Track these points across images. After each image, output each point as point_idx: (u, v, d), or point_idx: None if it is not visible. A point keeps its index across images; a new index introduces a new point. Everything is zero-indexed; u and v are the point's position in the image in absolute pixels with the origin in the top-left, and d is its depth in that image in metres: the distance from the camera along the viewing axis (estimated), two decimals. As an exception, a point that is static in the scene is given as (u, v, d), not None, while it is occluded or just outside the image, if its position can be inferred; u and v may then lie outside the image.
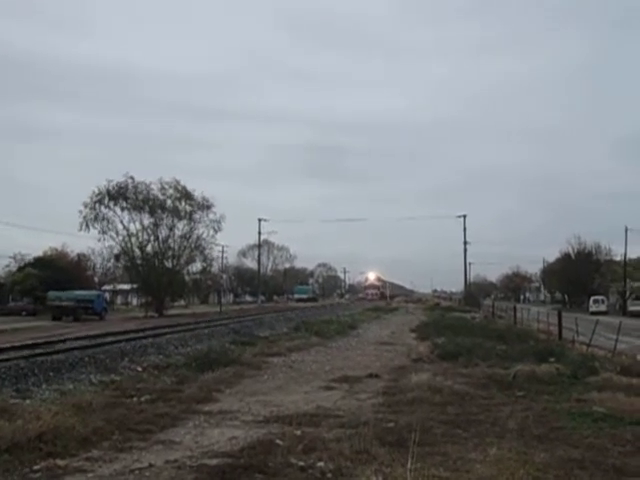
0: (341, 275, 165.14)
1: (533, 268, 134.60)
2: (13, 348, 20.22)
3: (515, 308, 42.62)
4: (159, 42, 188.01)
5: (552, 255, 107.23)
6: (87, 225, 55.41)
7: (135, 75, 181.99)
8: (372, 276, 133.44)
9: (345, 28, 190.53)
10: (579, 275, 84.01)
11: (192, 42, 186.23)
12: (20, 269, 68.13)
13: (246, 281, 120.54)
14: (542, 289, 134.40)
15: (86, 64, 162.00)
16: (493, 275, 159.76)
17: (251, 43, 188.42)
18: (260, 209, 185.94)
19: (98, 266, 78.06)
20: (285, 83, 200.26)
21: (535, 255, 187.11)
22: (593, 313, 56.83)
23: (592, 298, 71.45)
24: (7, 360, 16.70)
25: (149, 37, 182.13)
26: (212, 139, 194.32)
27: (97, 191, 55.82)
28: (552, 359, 17.42)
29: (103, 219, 56.28)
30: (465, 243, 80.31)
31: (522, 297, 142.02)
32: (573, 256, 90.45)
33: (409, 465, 6.56)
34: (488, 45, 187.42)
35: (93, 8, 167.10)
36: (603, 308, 66.17)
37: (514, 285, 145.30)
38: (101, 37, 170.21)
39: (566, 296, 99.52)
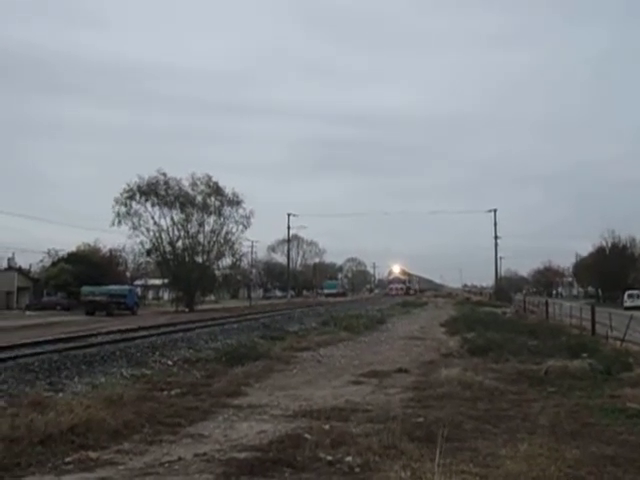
0: (371, 270, 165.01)
1: (565, 262, 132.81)
2: (47, 342, 20.60)
3: (547, 303, 42.04)
4: (175, 39, 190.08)
5: (584, 248, 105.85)
6: (119, 221, 56.11)
7: (150, 71, 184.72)
8: (396, 269, 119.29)
9: (361, 22, 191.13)
10: (613, 269, 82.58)
11: (208, 38, 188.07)
12: (54, 264, 69.37)
13: (275, 276, 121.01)
14: (575, 284, 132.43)
15: (100, 60, 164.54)
16: (524, 270, 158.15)
17: (266, 39, 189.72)
18: (286, 204, 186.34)
19: (130, 261, 79.06)
20: (302, 78, 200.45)
21: (567, 247, 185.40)
22: (627, 308, 55.72)
23: (627, 293, 70.10)
24: (41, 353, 17.05)
25: (165, 34, 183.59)
26: (231, 135, 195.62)
27: (127, 187, 56.49)
28: (585, 355, 17.17)
29: (134, 215, 56.95)
30: (496, 237, 79.58)
31: (554, 292, 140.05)
32: (607, 250, 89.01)
33: (437, 460, 6.50)
34: (503, 37, 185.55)
35: (111, 4, 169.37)
36: (638, 303, 64.86)
37: (546, 280, 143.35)
38: (117, 33, 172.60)
39: (599, 291, 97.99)
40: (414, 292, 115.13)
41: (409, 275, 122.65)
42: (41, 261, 76.11)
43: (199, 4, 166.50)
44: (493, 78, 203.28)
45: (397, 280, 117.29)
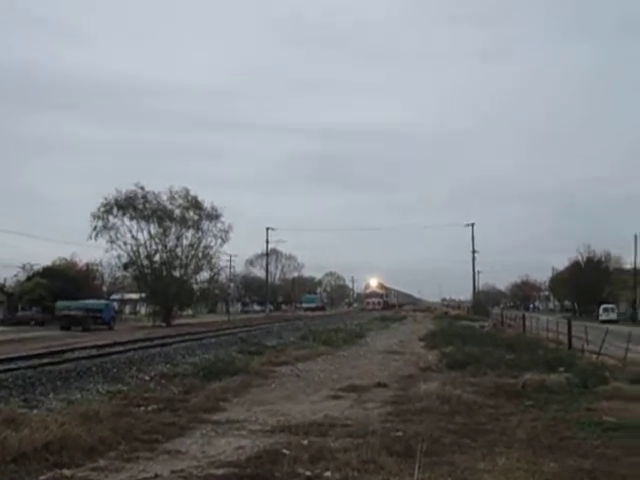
0: (349, 284, 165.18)
1: (542, 276, 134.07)
2: (21, 358, 20.27)
3: (524, 317, 42.38)
4: (161, 54, 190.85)
5: (561, 263, 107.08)
6: (96, 235, 55.65)
7: (138, 87, 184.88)
8: (374, 282, 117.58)
9: (350, 38, 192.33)
10: (588, 283, 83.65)
11: (194, 53, 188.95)
12: (29, 279, 68.50)
13: (254, 290, 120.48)
14: (551, 298, 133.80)
15: (86, 76, 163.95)
16: (502, 284, 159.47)
17: (256, 54, 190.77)
18: (268, 218, 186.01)
19: (106, 275, 78.18)
20: (291, 93, 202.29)
21: (544, 261, 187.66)
22: (603, 322, 56.41)
23: (602, 307, 71.08)
24: (15, 370, 16.77)
25: (150, 49, 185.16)
26: (217, 149, 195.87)
27: (105, 201, 56.10)
28: (562, 368, 17.29)
29: (112, 228, 56.53)
30: (473, 252, 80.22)
31: (531, 306, 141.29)
32: (583, 265, 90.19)
33: (416, 475, 6.50)
34: (493, 52, 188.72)
35: (95, 21, 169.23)
36: (613, 317, 65.75)
37: (523, 294, 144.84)
38: (102, 49, 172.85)
39: (576, 305, 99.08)
40: (392, 306, 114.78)
41: (387, 289, 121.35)
42: (15, 275, 75.23)
43: (183, 20, 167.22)
44: (480, 96, 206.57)
45: (374, 294, 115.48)
